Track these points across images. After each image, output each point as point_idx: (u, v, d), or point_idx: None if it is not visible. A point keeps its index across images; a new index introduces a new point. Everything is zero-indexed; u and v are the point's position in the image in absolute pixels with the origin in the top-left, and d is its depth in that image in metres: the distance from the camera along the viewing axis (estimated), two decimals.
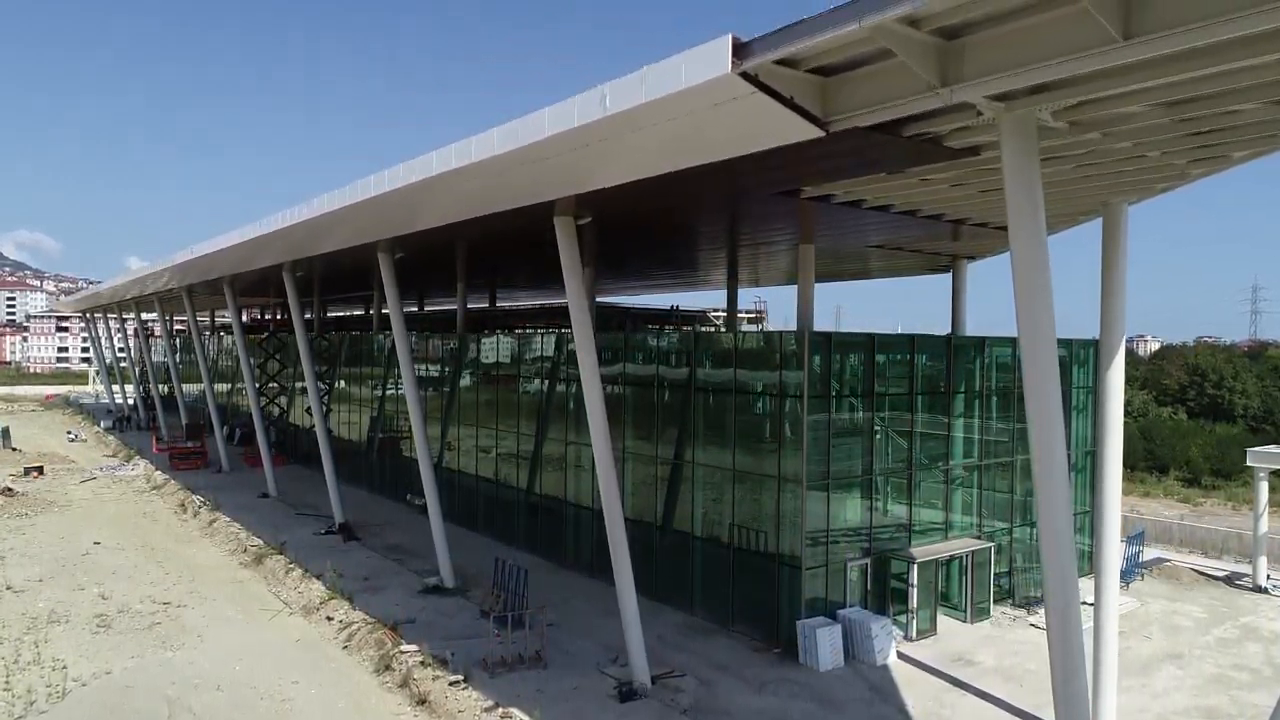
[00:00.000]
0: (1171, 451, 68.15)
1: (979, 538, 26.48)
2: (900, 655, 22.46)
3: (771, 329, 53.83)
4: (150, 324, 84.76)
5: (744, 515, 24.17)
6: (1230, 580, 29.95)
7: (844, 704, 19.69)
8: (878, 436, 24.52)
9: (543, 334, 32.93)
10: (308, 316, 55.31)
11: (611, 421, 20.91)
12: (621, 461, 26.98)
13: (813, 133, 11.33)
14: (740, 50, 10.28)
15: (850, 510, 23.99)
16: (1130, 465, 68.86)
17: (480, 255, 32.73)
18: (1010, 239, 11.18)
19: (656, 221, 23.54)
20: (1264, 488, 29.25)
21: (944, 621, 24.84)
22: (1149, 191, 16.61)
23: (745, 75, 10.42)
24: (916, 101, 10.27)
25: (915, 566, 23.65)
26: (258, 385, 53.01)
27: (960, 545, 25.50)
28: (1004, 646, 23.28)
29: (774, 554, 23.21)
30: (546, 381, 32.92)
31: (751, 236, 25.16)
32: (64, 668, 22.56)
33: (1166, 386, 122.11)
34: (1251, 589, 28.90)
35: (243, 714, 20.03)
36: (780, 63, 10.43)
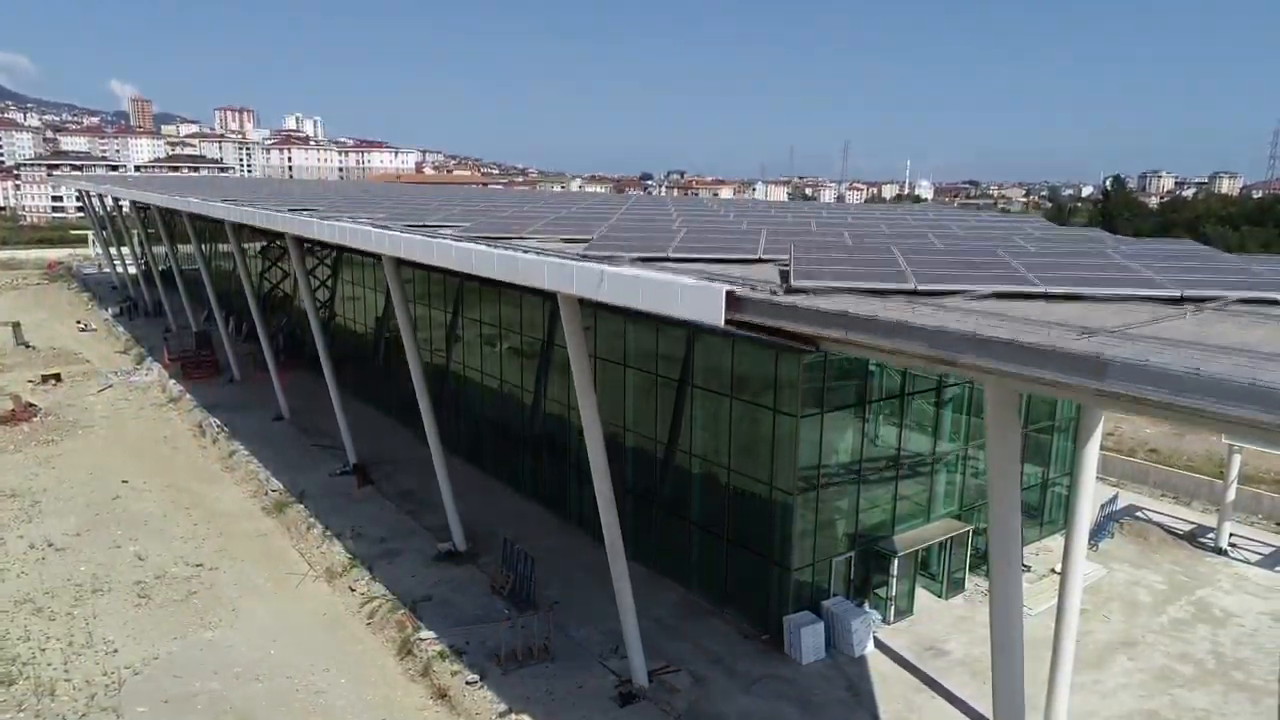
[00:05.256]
0: None
1: (959, 518, 28.08)
2: (878, 644, 24.50)
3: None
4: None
5: (740, 515, 25.65)
6: (1194, 538, 31.86)
7: (823, 706, 21.84)
8: (868, 431, 25.56)
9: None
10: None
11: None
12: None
13: (801, 346, 11.66)
14: (734, 304, 10.53)
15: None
16: None
17: None
18: (988, 484, 11.72)
19: None
20: (1236, 459, 30.54)
21: (921, 598, 26.79)
22: None
23: (736, 322, 10.70)
24: (908, 359, 10.58)
25: (897, 560, 25.34)
26: (260, 296, 53.37)
27: (941, 529, 27.13)
28: (974, 632, 25.29)
29: (766, 550, 24.83)
30: (548, 337, 33.43)
31: None
32: (115, 651, 24.74)
33: None
34: (1213, 550, 30.83)
35: (281, 709, 22.28)
36: None
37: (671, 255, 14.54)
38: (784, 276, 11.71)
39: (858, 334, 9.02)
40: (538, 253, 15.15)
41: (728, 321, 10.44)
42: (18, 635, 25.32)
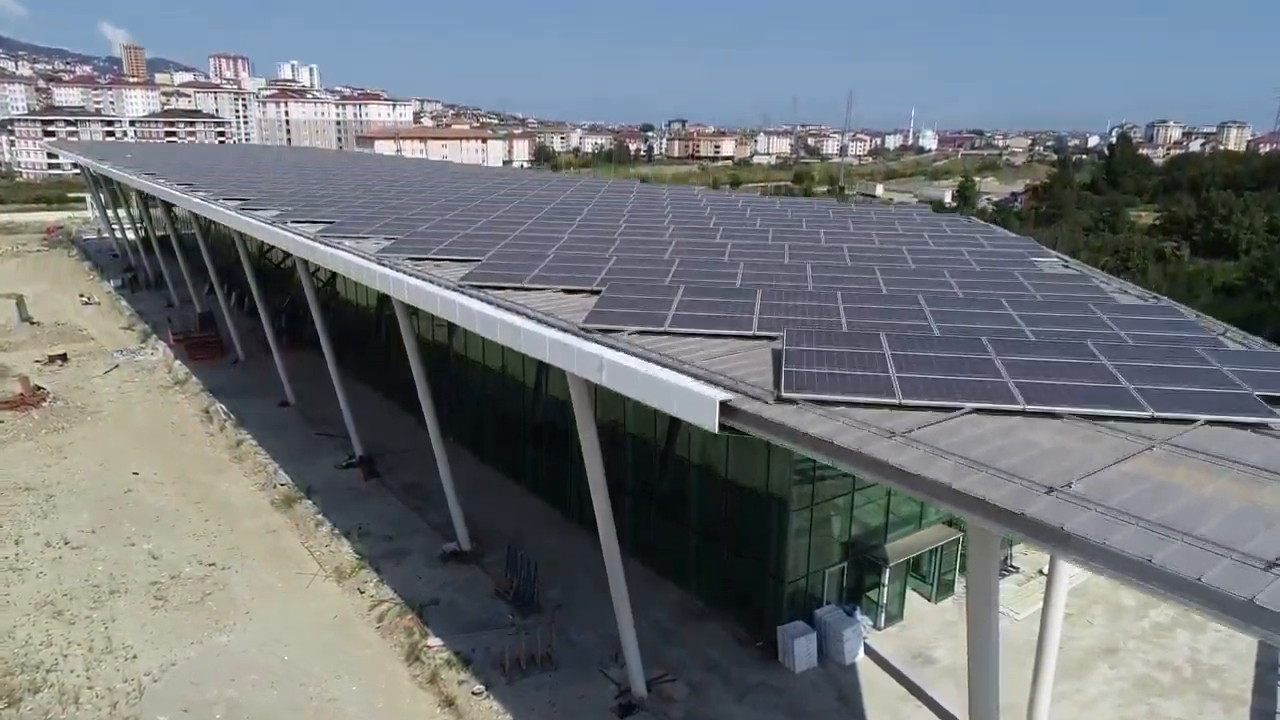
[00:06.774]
0: None
1: (950, 523, 28.84)
2: (868, 650, 25.44)
3: None
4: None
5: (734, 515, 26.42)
6: None
7: (814, 716, 22.81)
8: None
9: None
10: None
11: None
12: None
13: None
14: (727, 412, 11.00)
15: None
16: None
17: None
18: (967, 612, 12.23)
19: None
20: None
21: (911, 601, 27.68)
22: None
23: (728, 427, 11.19)
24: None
25: (888, 570, 26.17)
26: (259, 274, 53.49)
27: (933, 536, 27.92)
28: (961, 638, 25.98)
29: (762, 560, 25.64)
30: None
31: None
32: (134, 657, 25.70)
33: (1175, 215, 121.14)
34: None
35: (296, 717, 23.28)
36: None
37: (670, 329, 15.07)
38: (777, 368, 12.15)
39: (840, 462, 9.54)
40: (538, 320, 15.54)
41: (721, 427, 10.95)
42: (40, 640, 26.27)
